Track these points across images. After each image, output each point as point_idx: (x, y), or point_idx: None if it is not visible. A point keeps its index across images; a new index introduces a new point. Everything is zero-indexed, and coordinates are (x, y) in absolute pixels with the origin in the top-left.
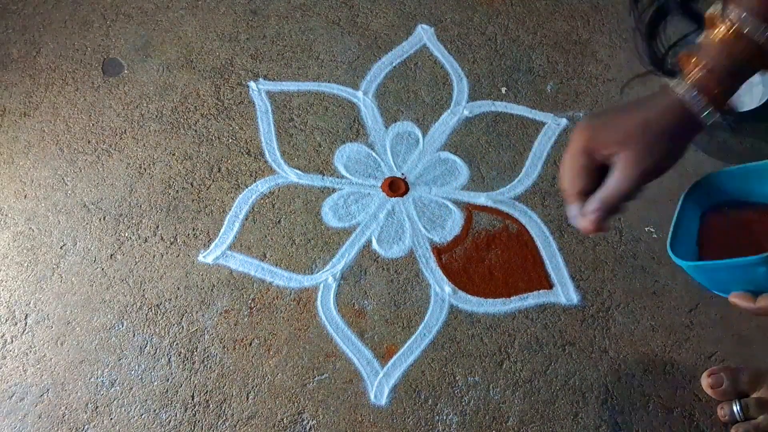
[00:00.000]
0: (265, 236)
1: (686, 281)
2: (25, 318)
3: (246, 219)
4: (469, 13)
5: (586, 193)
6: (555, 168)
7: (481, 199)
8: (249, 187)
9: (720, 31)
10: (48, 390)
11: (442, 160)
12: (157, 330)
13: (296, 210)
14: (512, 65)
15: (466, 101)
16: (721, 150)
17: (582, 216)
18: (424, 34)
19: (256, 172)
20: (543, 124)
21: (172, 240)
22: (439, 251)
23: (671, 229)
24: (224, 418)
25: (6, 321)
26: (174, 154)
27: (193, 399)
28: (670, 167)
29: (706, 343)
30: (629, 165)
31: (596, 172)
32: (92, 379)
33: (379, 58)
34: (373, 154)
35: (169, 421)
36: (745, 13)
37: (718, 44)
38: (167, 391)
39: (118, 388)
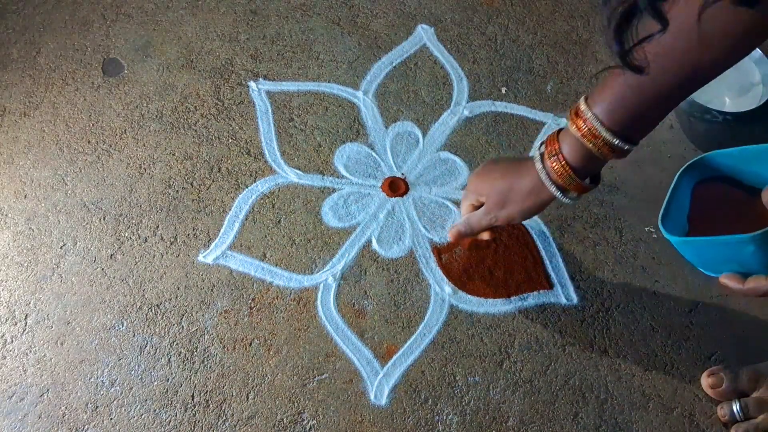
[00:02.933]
0: (265, 236)
1: (686, 281)
2: (25, 318)
3: (246, 219)
4: (469, 13)
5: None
6: None
7: None
8: (249, 187)
9: (576, 126)
10: (48, 390)
11: (442, 160)
12: (157, 330)
13: (296, 210)
14: (512, 65)
15: (466, 101)
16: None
17: (451, 228)
18: (424, 34)
19: (256, 172)
20: (543, 124)
21: (172, 240)
22: (439, 251)
23: (664, 203)
24: (224, 418)
25: (6, 321)
26: (174, 154)
27: (193, 399)
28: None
29: (706, 343)
30: (488, 208)
31: (478, 205)
32: (92, 379)
33: (379, 58)
34: (373, 154)
35: (169, 421)
36: (595, 117)
37: (573, 138)
38: (167, 391)
39: (118, 388)
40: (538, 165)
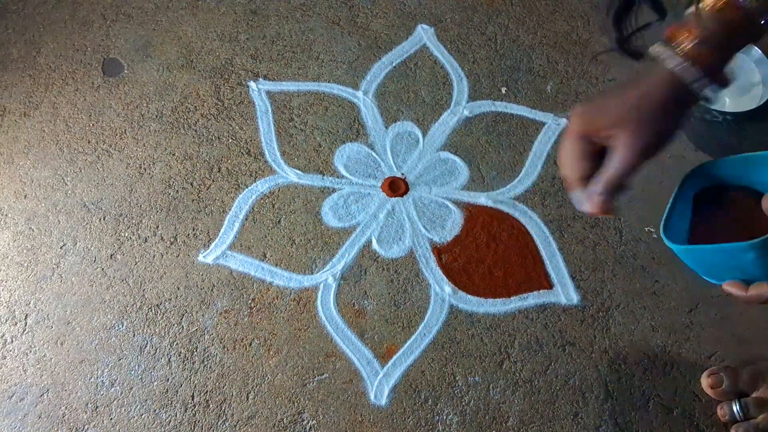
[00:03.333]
0: (265, 236)
1: (686, 281)
2: (25, 318)
3: (246, 219)
4: (469, 13)
5: (587, 178)
6: (555, 168)
7: (481, 199)
8: (249, 187)
9: (710, 1)
10: (48, 390)
11: (442, 160)
12: (157, 330)
13: (296, 210)
14: (512, 65)
15: (466, 101)
16: (721, 150)
17: (588, 200)
18: (424, 34)
19: (256, 172)
20: (543, 124)
21: (172, 240)
22: (439, 251)
23: (665, 211)
24: (224, 418)
25: (6, 321)
26: (174, 154)
27: (193, 399)
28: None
29: (706, 343)
30: (628, 143)
31: (596, 156)
32: (92, 379)
33: (379, 58)
34: (373, 154)
35: (169, 421)
36: None
37: (709, 15)
38: (167, 391)
39: (118, 388)
40: (673, 60)
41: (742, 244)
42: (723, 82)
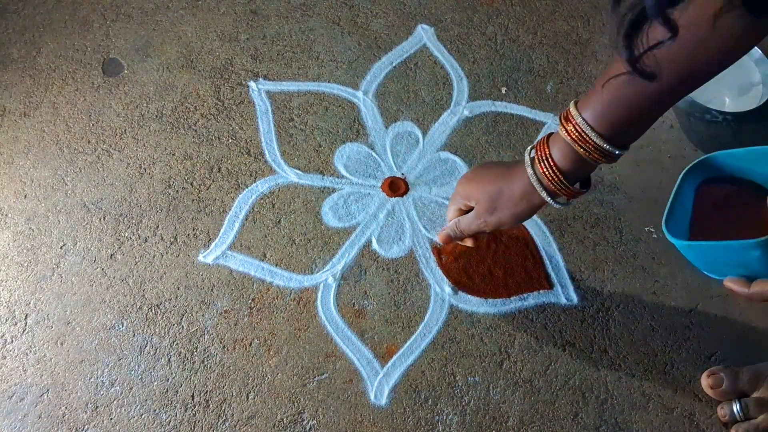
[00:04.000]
0: (265, 236)
1: (686, 281)
2: (25, 318)
3: (246, 219)
4: (469, 13)
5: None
6: None
7: None
8: (249, 187)
9: (566, 130)
10: (48, 390)
11: (442, 160)
12: (157, 330)
13: (296, 210)
14: (512, 65)
15: (466, 101)
16: (721, 150)
17: (439, 233)
18: (424, 34)
19: (256, 172)
20: (543, 124)
21: (172, 240)
22: (439, 251)
23: (667, 205)
24: (224, 418)
25: (6, 321)
26: (174, 154)
27: (193, 399)
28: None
29: (706, 343)
30: (479, 213)
31: (466, 212)
32: (92, 379)
33: (379, 58)
34: (373, 154)
35: (169, 421)
36: (585, 121)
37: (563, 143)
38: (167, 391)
39: (118, 388)
40: (529, 170)
41: (748, 242)
42: (573, 196)
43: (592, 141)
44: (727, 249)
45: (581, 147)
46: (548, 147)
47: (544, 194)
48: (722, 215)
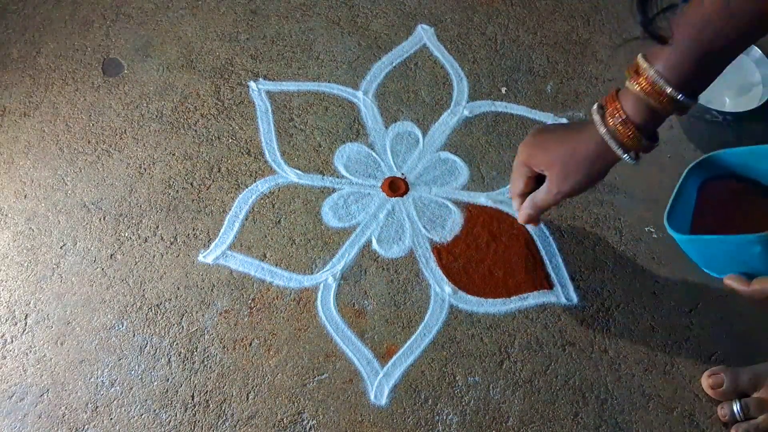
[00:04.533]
0: (265, 236)
1: (686, 281)
2: (25, 318)
3: (246, 219)
4: (469, 13)
5: (523, 195)
6: None
7: (481, 199)
8: (249, 187)
9: (637, 84)
10: (48, 390)
11: (442, 160)
12: (157, 330)
13: (296, 210)
14: (512, 65)
15: (466, 101)
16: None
17: (518, 211)
18: (424, 34)
19: (256, 172)
20: (543, 124)
21: (172, 240)
22: (439, 251)
23: (670, 200)
24: (224, 418)
25: (6, 321)
26: (174, 154)
27: (193, 399)
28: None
29: (706, 343)
30: (552, 184)
31: (534, 180)
32: (92, 379)
33: (379, 58)
34: (373, 154)
35: (169, 421)
36: (658, 73)
37: (635, 97)
38: (167, 391)
39: (118, 388)
40: (601, 128)
41: (750, 237)
42: (645, 150)
43: (666, 93)
44: (728, 244)
45: (655, 100)
46: (619, 101)
47: (619, 151)
48: (724, 212)
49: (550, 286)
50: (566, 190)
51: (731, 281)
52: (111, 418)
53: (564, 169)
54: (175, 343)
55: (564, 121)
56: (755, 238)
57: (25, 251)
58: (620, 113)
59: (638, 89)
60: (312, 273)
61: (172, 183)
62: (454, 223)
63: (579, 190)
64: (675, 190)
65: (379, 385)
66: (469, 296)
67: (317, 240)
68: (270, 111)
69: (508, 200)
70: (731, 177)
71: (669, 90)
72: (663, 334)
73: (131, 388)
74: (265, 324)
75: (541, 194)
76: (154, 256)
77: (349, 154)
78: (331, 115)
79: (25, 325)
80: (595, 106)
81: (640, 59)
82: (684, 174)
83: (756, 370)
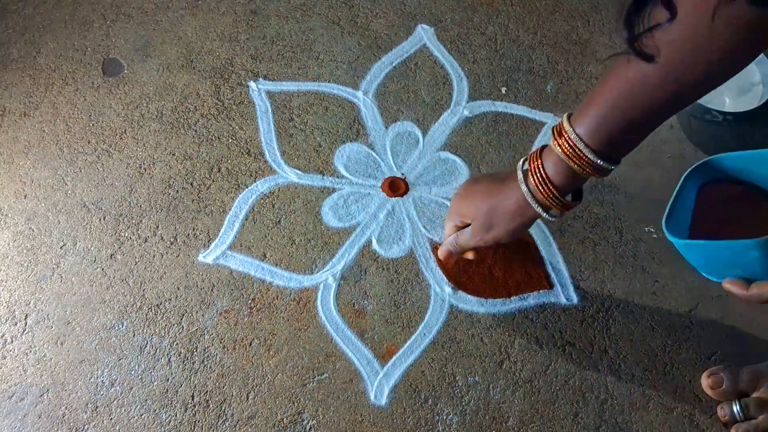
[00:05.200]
0: (265, 236)
1: (686, 281)
2: (25, 318)
3: (246, 219)
4: (469, 13)
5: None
6: None
7: None
8: (249, 187)
9: (559, 146)
10: (48, 390)
11: (442, 160)
12: (157, 330)
13: (296, 210)
14: (512, 65)
15: (466, 101)
16: (720, 150)
17: (440, 249)
18: (424, 34)
19: (256, 172)
20: (543, 124)
21: (172, 240)
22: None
23: (668, 205)
24: (224, 418)
25: (6, 321)
26: (174, 154)
27: (193, 399)
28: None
29: (706, 343)
30: (476, 231)
31: (464, 227)
32: (92, 379)
33: (379, 58)
34: (373, 154)
35: (169, 421)
36: (578, 136)
37: (556, 157)
38: (167, 391)
39: (118, 388)
40: (522, 186)
41: (748, 242)
42: (565, 209)
43: (586, 157)
44: (726, 249)
45: (575, 162)
46: (541, 160)
47: (538, 208)
48: (723, 216)
49: (550, 286)
50: (487, 239)
51: (730, 285)
52: (111, 418)
53: (486, 221)
54: (175, 343)
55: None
56: (753, 243)
57: (25, 251)
58: (541, 173)
59: (559, 151)
60: (312, 273)
61: (172, 183)
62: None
63: (500, 240)
64: (673, 194)
65: (379, 385)
66: (469, 296)
67: (317, 240)
68: (270, 111)
69: None
70: (730, 181)
71: (589, 155)
72: (663, 334)
73: (131, 388)
74: (265, 324)
75: (464, 236)
76: (154, 256)
77: (349, 154)
78: (331, 115)
79: (25, 325)
80: (520, 162)
81: (564, 120)
82: (682, 178)
83: (756, 370)
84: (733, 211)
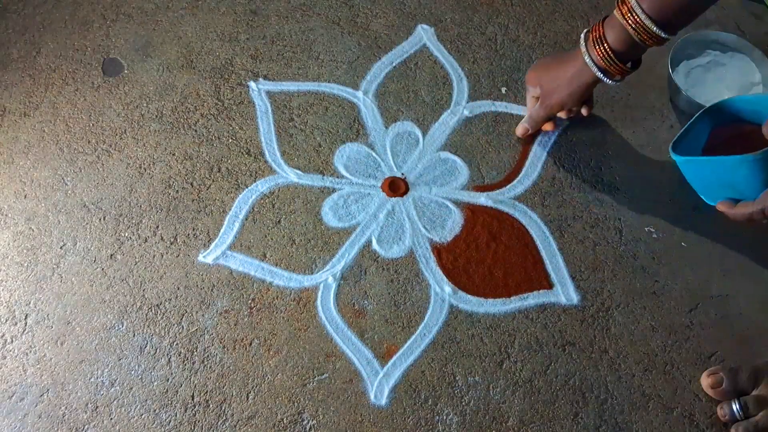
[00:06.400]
0: (265, 236)
1: (686, 281)
2: (25, 318)
3: (246, 219)
4: (469, 13)
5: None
6: (555, 168)
7: (481, 199)
8: (249, 187)
9: (621, 13)
10: (48, 390)
11: (442, 160)
12: (157, 330)
13: (296, 210)
14: (512, 65)
15: (466, 101)
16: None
17: (517, 128)
18: (424, 34)
19: (256, 172)
20: None
21: (172, 240)
22: (439, 251)
23: (680, 132)
24: (224, 418)
25: (6, 321)
26: (174, 154)
27: (193, 399)
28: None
29: (706, 343)
30: (542, 98)
31: (538, 97)
32: (92, 379)
33: (379, 58)
34: (373, 154)
35: (169, 421)
36: (638, 4)
37: (615, 21)
38: (167, 391)
39: (118, 388)
40: (583, 49)
41: (736, 158)
42: (619, 73)
43: (643, 23)
44: (718, 165)
45: (633, 28)
46: (602, 27)
47: (595, 70)
48: (732, 150)
49: (550, 286)
50: (552, 104)
51: (722, 206)
52: (111, 418)
53: (551, 87)
54: (175, 343)
55: (564, 121)
56: (741, 159)
57: (25, 251)
58: (601, 38)
59: (620, 17)
60: (312, 273)
61: (172, 183)
62: (454, 223)
63: (564, 104)
64: (687, 125)
65: (379, 385)
66: (469, 296)
67: (317, 240)
68: (270, 111)
69: (508, 200)
70: (741, 121)
71: (646, 21)
72: (663, 334)
73: (131, 388)
74: (265, 324)
75: (534, 109)
76: (154, 256)
77: (349, 154)
78: (331, 115)
79: (25, 325)
80: (585, 31)
81: None
82: (695, 117)
83: (755, 367)
84: (740, 146)
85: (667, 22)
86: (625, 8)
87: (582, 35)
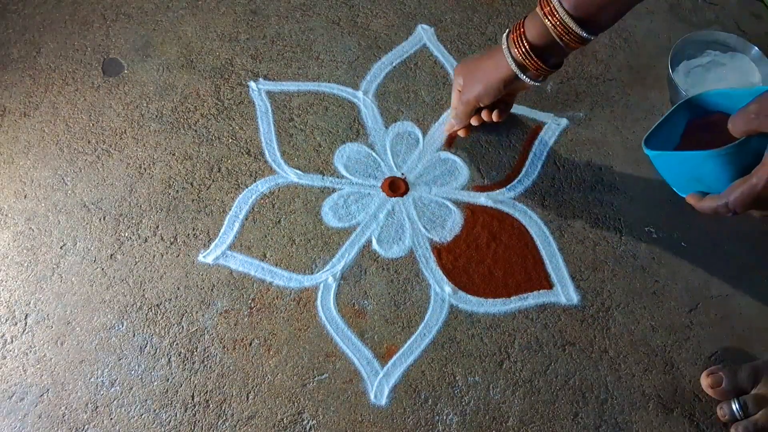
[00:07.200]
0: (265, 236)
1: (686, 281)
2: (25, 318)
3: (246, 219)
4: (469, 13)
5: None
6: (555, 168)
7: (481, 199)
8: (249, 187)
9: (541, 6)
10: (48, 390)
11: (442, 160)
12: (157, 330)
13: (296, 210)
14: None
15: None
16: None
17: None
18: (424, 34)
19: (256, 172)
20: (543, 123)
21: (172, 240)
22: (439, 251)
23: (654, 126)
24: (224, 418)
25: (6, 321)
26: (174, 154)
27: (193, 399)
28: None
29: (706, 343)
30: (462, 92)
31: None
32: (92, 379)
33: (379, 58)
34: (373, 154)
35: (169, 421)
36: (559, 3)
37: (537, 18)
38: (167, 391)
39: (118, 388)
40: (504, 42)
41: (702, 153)
42: (536, 70)
43: (561, 18)
44: (686, 159)
45: (549, 21)
46: (524, 21)
47: (512, 64)
48: (707, 143)
49: (550, 286)
50: (470, 97)
51: (690, 199)
52: (111, 418)
53: (471, 79)
54: (175, 343)
55: (564, 121)
56: (708, 154)
57: (25, 251)
58: (519, 31)
59: (539, 10)
60: (312, 273)
61: (172, 183)
62: (454, 223)
63: (479, 98)
64: (661, 119)
65: (379, 385)
66: (469, 296)
67: (317, 240)
68: (270, 111)
69: (508, 200)
70: (719, 115)
71: (564, 16)
72: (663, 334)
73: (131, 388)
74: (265, 324)
75: (454, 101)
76: (154, 256)
77: (349, 154)
78: (331, 115)
79: (25, 325)
80: (504, 37)
81: None
82: (672, 108)
83: (754, 366)
84: (716, 139)
85: (587, 20)
86: (545, 2)
87: (505, 36)
